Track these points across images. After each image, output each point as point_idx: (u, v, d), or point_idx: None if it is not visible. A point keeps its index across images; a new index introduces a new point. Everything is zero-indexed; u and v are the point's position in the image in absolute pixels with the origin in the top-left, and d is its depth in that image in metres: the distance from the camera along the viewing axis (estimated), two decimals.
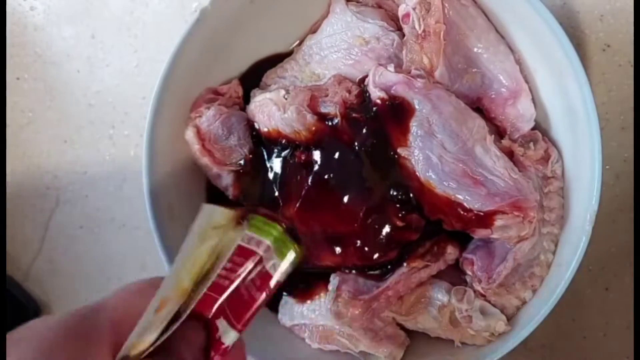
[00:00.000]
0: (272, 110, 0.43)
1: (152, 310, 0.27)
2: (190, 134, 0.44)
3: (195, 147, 0.44)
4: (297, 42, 0.48)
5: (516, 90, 0.43)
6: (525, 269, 0.42)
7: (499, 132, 0.44)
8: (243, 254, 0.30)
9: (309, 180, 0.42)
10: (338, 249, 0.42)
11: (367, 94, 0.42)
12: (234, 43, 0.45)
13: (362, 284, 0.43)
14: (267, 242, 0.30)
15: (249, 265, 0.30)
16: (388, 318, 0.44)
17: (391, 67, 0.40)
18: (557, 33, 0.38)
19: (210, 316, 0.30)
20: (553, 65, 0.40)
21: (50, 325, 0.27)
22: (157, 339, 0.28)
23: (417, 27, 0.40)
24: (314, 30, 0.47)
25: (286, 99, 0.42)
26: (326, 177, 0.42)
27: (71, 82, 0.55)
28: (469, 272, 0.42)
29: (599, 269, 0.49)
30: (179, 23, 0.52)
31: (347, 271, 0.43)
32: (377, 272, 0.43)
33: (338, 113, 0.42)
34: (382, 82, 0.40)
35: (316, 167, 0.42)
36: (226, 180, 0.46)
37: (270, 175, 0.44)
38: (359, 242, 0.42)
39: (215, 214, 0.29)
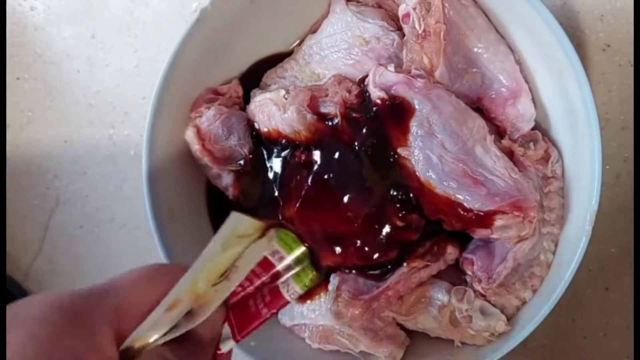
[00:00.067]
0: (272, 110, 0.43)
1: (163, 308, 0.27)
2: (190, 134, 0.44)
3: (195, 147, 0.44)
4: (297, 42, 0.48)
5: (516, 90, 0.43)
6: (525, 269, 0.42)
7: (499, 132, 0.44)
8: (264, 265, 0.30)
9: (309, 180, 0.42)
10: (338, 249, 0.42)
11: (367, 94, 0.42)
12: (234, 43, 0.45)
13: (362, 284, 0.43)
14: (290, 260, 0.29)
15: (266, 278, 0.30)
16: (388, 318, 0.44)
17: (391, 67, 0.40)
18: (557, 33, 0.38)
19: None
20: (553, 65, 0.40)
21: (51, 303, 0.26)
22: (162, 336, 0.27)
23: (417, 27, 0.40)
24: (314, 30, 0.47)
25: (286, 99, 0.42)
26: (326, 177, 0.42)
27: (71, 82, 0.55)
28: (469, 272, 0.42)
29: (599, 269, 0.49)
30: (179, 23, 0.52)
31: (347, 271, 0.43)
32: (377, 272, 0.43)
33: (338, 113, 0.42)
34: (382, 82, 0.40)
35: (316, 167, 0.42)
36: (226, 180, 0.46)
37: (270, 175, 0.45)
38: (359, 242, 0.42)
39: (242, 224, 0.29)
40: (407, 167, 0.40)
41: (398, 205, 0.41)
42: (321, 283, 0.44)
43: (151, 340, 0.27)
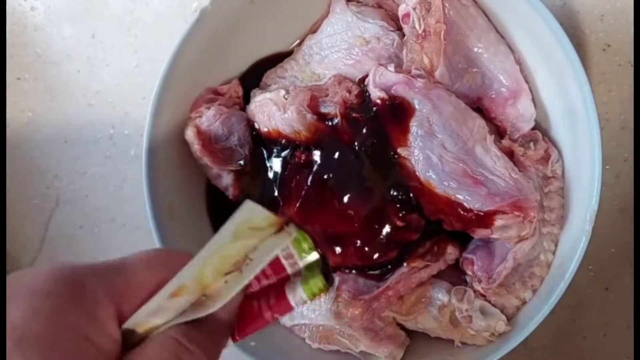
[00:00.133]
0: (272, 110, 0.43)
1: (165, 293, 0.26)
2: (190, 134, 0.44)
3: (195, 147, 0.44)
4: (297, 42, 0.48)
5: (516, 90, 0.43)
6: (525, 269, 0.42)
7: (499, 132, 0.44)
8: (274, 266, 0.29)
9: (309, 180, 0.42)
10: (338, 249, 0.42)
11: (367, 94, 0.42)
12: (234, 43, 0.45)
13: (362, 284, 0.43)
14: (301, 265, 0.29)
15: (274, 280, 0.29)
16: (388, 318, 0.44)
17: (391, 67, 0.40)
18: (557, 33, 0.38)
19: None
20: (553, 65, 0.40)
21: (54, 275, 0.25)
22: (167, 322, 0.27)
23: (417, 27, 0.40)
24: (314, 30, 0.47)
25: (286, 99, 0.42)
26: (326, 177, 0.42)
27: (71, 82, 0.55)
28: (469, 272, 0.42)
29: (599, 269, 0.49)
30: (179, 23, 0.52)
31: (347, 271, 0.43)
32: (377, 272, 0.43)
33: (338, 113, 0.42)
34: (382, 82, 0.40)
35: (316, 167, 0.42)
36: (226, 180, 0.46)
37: (270, 175, 0.44)
38: (359, 242, 0.42)
39: (256, 215, 0.27)
40: (407, 167, 0.40)
41: (398, 205, 0.41)
42: None
43: (154, 325, 0.26)
